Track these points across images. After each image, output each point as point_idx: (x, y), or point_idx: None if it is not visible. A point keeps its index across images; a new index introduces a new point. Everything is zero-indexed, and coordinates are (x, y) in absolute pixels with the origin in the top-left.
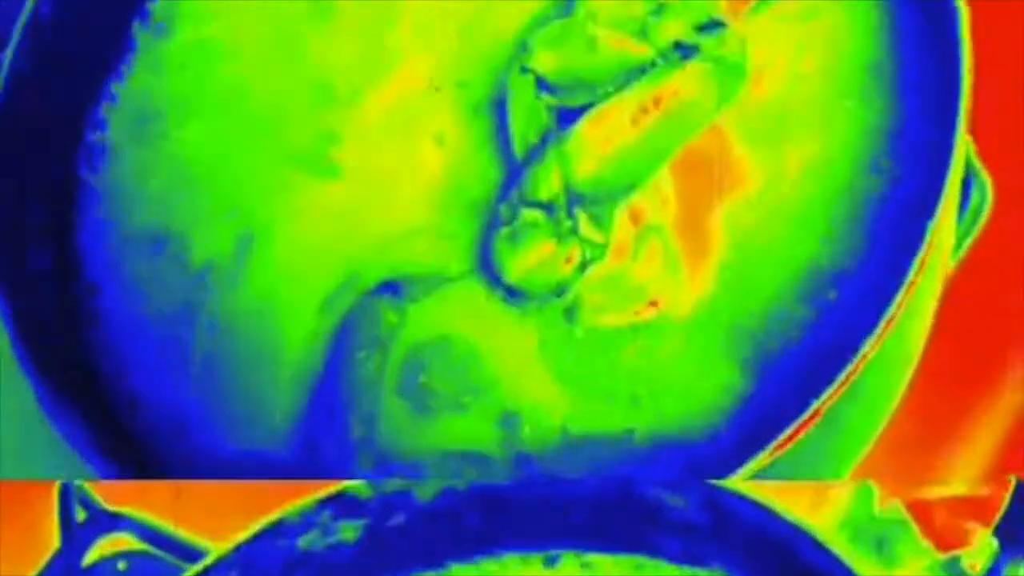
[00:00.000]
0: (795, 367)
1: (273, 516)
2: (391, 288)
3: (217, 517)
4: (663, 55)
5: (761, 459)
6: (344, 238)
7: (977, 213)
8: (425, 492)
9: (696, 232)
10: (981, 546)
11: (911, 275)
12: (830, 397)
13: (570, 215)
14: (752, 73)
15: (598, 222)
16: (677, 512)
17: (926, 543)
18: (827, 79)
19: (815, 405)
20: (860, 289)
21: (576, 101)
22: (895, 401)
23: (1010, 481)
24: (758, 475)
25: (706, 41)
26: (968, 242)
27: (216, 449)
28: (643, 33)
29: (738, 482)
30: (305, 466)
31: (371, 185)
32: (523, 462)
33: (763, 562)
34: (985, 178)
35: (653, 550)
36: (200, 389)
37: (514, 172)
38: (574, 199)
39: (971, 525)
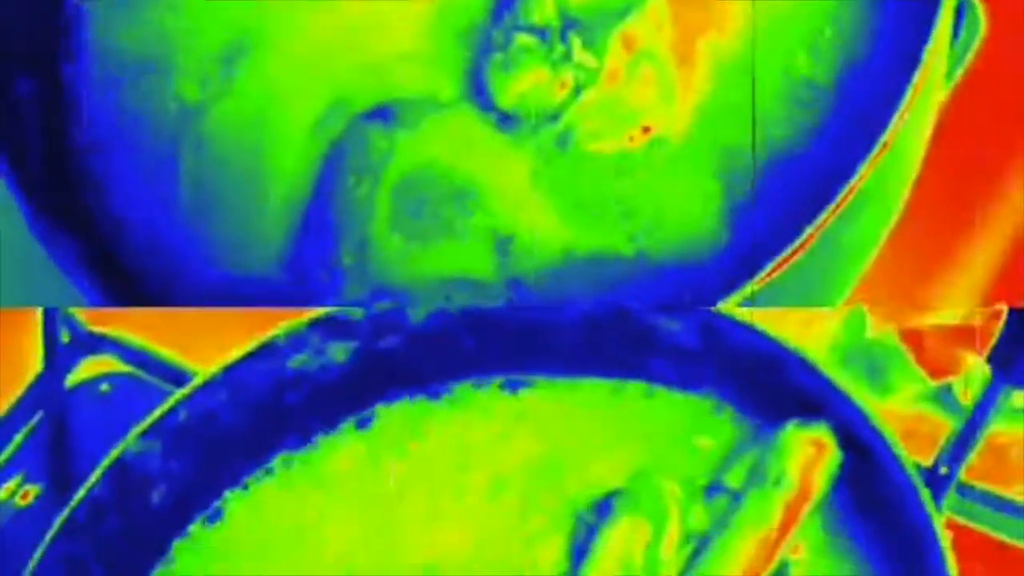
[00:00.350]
0: (789, 192)
1: (263, 338)
2: (381, 114)
3: (205, 342)
4: None
5: (755, 283)
6: (333, 61)
7: (970, 40)
8: (417, 314)
9: (689, 57)
10: (973, 374)
11: (905, 99)
12: (823, 222)
13: (563, 40)
14: None
15: (592, 47)
16: (670, 336)
17: (918, 370)
18: None
19: (809, 229)
20: (854, 112)
21: None
22: (889, 227)
23: (1002, 310)
24: (752, 299)
25: None
26: (961, 70)
27: (205, 274)
28: None
29: (731, 307)
30: (295, 292)
31: (361, 8)
32: (517, 287)
33: (755, 386)
34: (978, 5)
35: (646, 374)
36: (189, 214)
37: None
38: (568, 24)
39: (963, 352)
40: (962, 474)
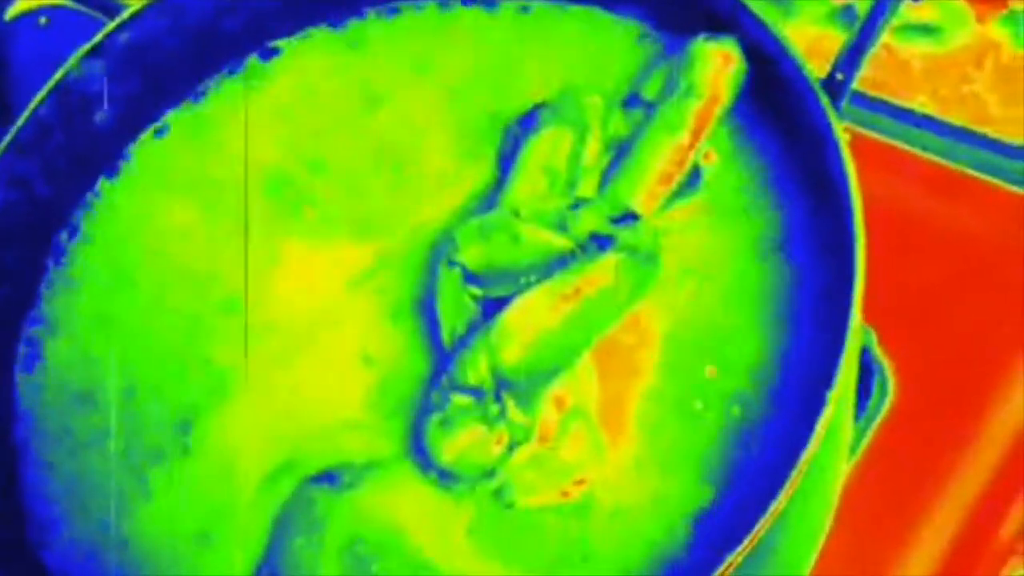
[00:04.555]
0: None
1: None
2: (328, 477)
3: None
4: (582, 246)
5: None
6: (281, 426)
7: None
8: None
9: (617, 413)
10: None
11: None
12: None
13: (498, 400)
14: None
15: (524, 406)
16: None
17: None
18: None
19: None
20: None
21: (500, 292)
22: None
23: None
24: None
25: (621, 232)
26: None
27: None
28: (563, 225)
29: None
30: None
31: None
32: None
33: (669, 5)
34: (886, 368)
35: None
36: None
37: (443, 361)
38: (501, 384)
39: None
40: (859, 86)
